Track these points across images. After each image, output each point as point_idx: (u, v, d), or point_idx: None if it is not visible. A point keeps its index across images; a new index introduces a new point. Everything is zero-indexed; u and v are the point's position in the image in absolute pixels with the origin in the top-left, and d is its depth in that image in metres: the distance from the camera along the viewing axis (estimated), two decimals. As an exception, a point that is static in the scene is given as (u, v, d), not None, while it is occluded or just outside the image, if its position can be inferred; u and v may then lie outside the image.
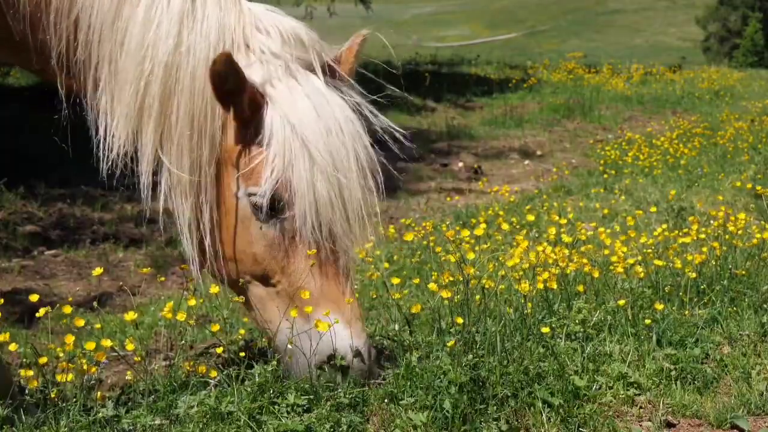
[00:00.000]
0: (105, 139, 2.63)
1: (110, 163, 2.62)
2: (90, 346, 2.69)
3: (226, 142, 2.63)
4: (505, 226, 4.56)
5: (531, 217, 5.46)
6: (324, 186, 2.56)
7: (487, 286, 3.35)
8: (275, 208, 2.58)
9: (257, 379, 2.65)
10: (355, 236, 2.66)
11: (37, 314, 2.75)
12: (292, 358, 2.66)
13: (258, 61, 2.63)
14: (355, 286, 2.80)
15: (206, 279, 2.85)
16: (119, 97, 2.59)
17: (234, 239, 2.66)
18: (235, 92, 2.51)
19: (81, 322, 2.70)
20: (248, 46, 2.64)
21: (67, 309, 2.70)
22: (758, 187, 6.79)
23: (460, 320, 3.07)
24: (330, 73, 2.74)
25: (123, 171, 2.65)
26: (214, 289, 3.09)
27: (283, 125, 2.56)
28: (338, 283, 2.65)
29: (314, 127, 2.57)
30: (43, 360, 2.65)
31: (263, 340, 3.26)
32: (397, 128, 2.82)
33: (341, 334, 2.59)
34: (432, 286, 3.29)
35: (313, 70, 2.69)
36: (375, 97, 2.83)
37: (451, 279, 3.40)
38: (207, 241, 2.66)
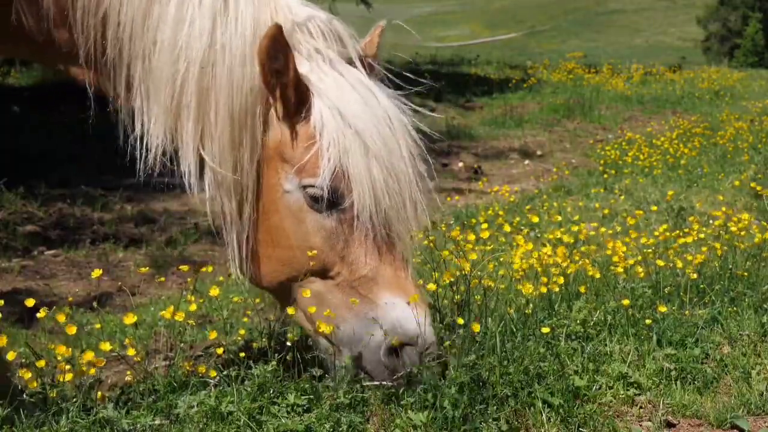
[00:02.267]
0: (142, 138, 2.60)
1: (148, 163, 2.59)
2: (89, 355, 2.67)
3: (269, 138, 2.60)
4: (507, 228, 4.56)
5: (535, 219, 5.46)
6: (379, 172, 2.56)
7: (487, 286, 3.35)
8: (334, 197, 2.56)
9: (257, 379, 2.65)
10: (410, 221, 2.66)
11: (38, 315, 2.75)
12: (364, 347, 2.61)
13: (299, 55, 2.61)
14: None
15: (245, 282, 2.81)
16: (155, 96, 2.56)
17: (279, 238, 2.63)
18: (282, 72, 2.48)
19: (73, 330, 2.67)
20: (293, 46, 2.60)
21: (61, 317, 2.66)
22: (758, 187, 6.80)
23: (460, 321, 3.06)
24: (366, 66, 2.74)
25: (161, 170, 2.62)
26: (214, 291, 3.09)
27: (333, 115, 2.54)
28: (398, 268, 2.64)
29: (364, 117, 2.57)
30: (41, 363, 2.65)
31: (263, 339, 3.26)
32: (423, 129, 2.82)
33: (411, 316, 2.57)
34: (431, 286, 3.28)
35: (352, 63, 2.68)
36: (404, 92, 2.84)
37: (452, 279, 3.40)
38: (245, 243, 2.64)
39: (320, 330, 2.64)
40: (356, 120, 2.55)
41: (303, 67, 2.59)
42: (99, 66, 2.63)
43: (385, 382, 2.63)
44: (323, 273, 2.64)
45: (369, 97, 2.62)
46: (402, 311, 2.58)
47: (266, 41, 2.42)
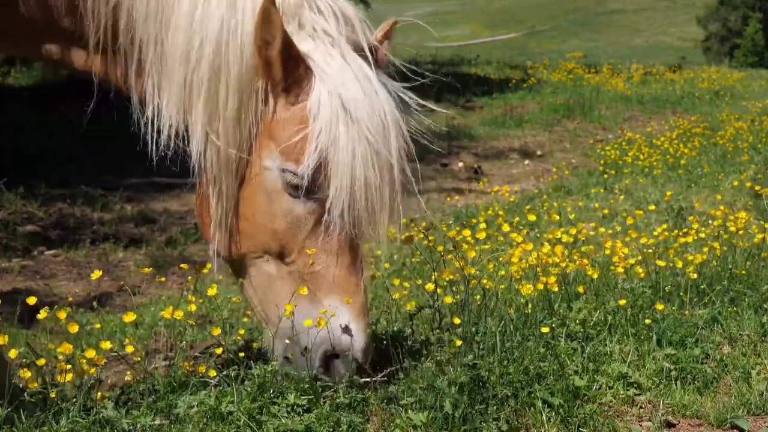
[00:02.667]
0: (153, 121, 2.58)
1: (160, 145, 2.57)
2: (90, 353, 2.67)
3: (267, 114, 2.56)
4: (506, 227, 4.55)
5: (532, 217, 5.46)
6: (362, 171, 2.50)
7: (487, 286, 3.35)
8: (311, 187, 2.52)
9: (257, 379, 2.65)
10: (380, 229, 2.61)
11: (38, 316, 2.75)
12: (292, 341, 2.59)
13: (309, 36, 2.57)
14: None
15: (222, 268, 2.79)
16: (168, 77, 2.54)
17: (247, 210, 2.60)
18: (271, 44, 2.44)
19: (75, 328, 2.67)
20: (300, 22, 2.58)
21: (62, 314, 2.67)
22: (757, 187, 6.80)
23: (457, 321, 3.07)
24: (376, 56, 2.68)
25: (175, 153, 2.60)
26: (212, 290, 3.09)
27: (332, 102, 2.49)
28: (353, 273, 2.59)
29: (361, 110, 2.51)
30: (41, 362, 2.65)
31: (263, 339, 3.26)
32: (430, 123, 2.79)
33: (350, 327, 2.54)
34: (429, 286, 3.28)
35: (361, 51, 2.63)
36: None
37: (451, 278, 3.40)
38: (228, 215, 2.61)
39: (259, 313, 2.63)
40: (353, 113, 2.50)
41: (305, 44, 2.55)
42: (108, 54, 2.62)
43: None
44: (280, 257, 2.61)
45: (369, 89, 2.57)
46: (341, 320, 2.54)
47: (260, 11, 2.40)
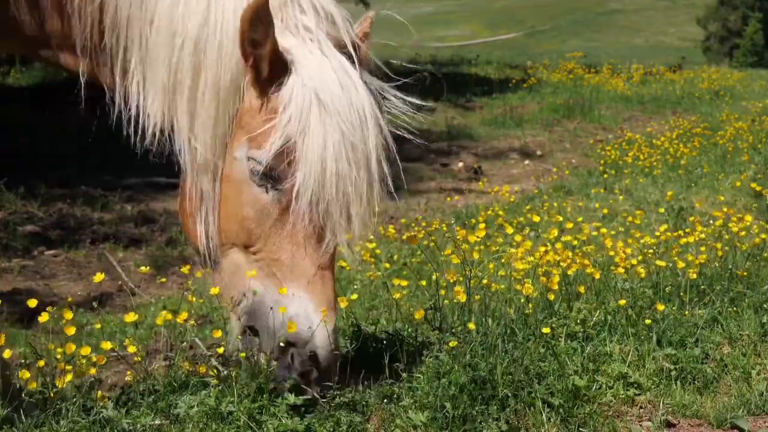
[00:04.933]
0: (138, 120, 2.59)
1: (144, 144, 2.58)
2: (86, 350, 2.67)
3: (243, 106, 2.56)
4: (510, 230, 4.55)
5: (536, 218, 5.46)
6: (334, 162, 2.48)
7: (487, 285, 3.35)
8: (271, 174, 2.51)
9: (258, 379, 2.64)
10: (350, 223, 2.56)
11: (40, 318, 2.75)
12: (262, 330, 2.57)
13: (289, 33, 2.57)
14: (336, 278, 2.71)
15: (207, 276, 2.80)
16: (152, 77, 2.55)
17: (225, 203, 2.61)
18: (261, 43, 2.44)
19: (72, 330, 2.68)
20: (282, 19, 2.58)
21: (69, 314, 2.68)
22: (758, 187, 6.80)
23: (472, 326, 3.06)
24: (357, 53, 2.67)
25: (158, 151, 2.61)
26: (215, 290, 3.08)
27: (305, 93, 2.49)
28: (320, 265, 2.55)
29: (337, 103, 2.50)
30: (41, 363, 2.65)
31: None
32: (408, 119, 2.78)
33: (309, 318, 2.51)
34: (423, 282, 3.27)
35: (343, 48, 2.63)
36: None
37: (452, 280, 3.40)
38: (208, 213, 2.62)
39: (222, 302, 2.62)
40: (328, 104, 2.49)
41: (287, 41, 2.55)
42: (96, 53, 2.63)
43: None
44: (246, 246, 2.61)
45: (348, 84, 2.55)
46: (299, 308, 2.52)
47: (249, 10, 2.40)
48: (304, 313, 2.51)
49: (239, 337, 2.65)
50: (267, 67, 2.49)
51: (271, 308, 2.53)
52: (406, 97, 2.76)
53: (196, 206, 2.64)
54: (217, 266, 2.71)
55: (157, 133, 2.59)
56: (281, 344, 2.53)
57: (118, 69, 2.61)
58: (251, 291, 2.60)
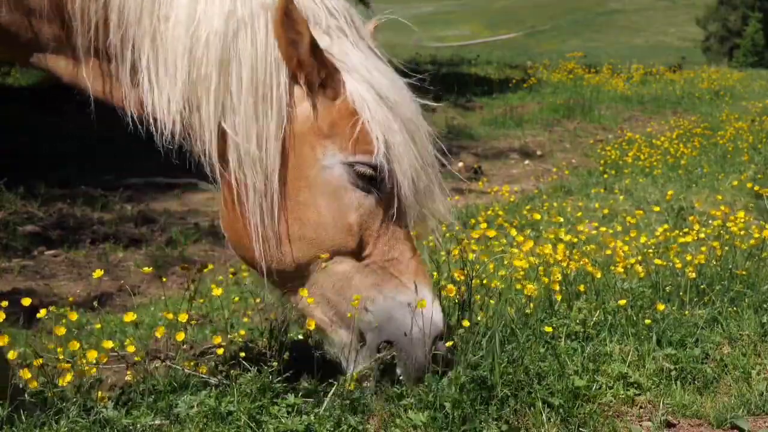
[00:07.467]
0: (153, 118, 2.48)
1: (163, 142, 2.48)
2: (92, 354, 2.67)
3: (297, 112, 2.51)
4: (513, 232, 4.55)
5: (537, 216, 5.48)
6: (415, 153, 2.56)
7: (487, 286, 3.35)
8: (382, 175, 2.53)
9: (258, 379, 2.64)
10: (439, 204, 2.68)
11: (38, 315, 2.75)
12: (397, 328, 2.58)
13: (324, 33, 2.55)
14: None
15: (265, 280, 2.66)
16: (167, 73, 2.46)
17: (308, 215, 2.54)
18: (298, 42, 2.41)
19: (62, 331, 2.68)
20: (314, 20, 2.55)
21: (73, 315, 2.68)
22: (756, 187, 6.80)
23: (466, 323, 3.07)
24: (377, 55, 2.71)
25: (180, 150, 2.53)
26: (217, 291, 3.08)
27: (369, 91, 2.50)
28: (416, 253, 2.64)
29: (395, 96, 2.55)
30: (38, 362, 2.65)
31: (263, 339, 3.25)
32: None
33: (439, 308, 2.61)
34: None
35: (367, 47, 2.66)
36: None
37: (461, 278, 3.40)
38: (271, 222, 2.52)
39: (349, 314, 2.56)
40: (388, 97, 2.53)
41: (323, 41, 2.52)
42: (100, 52, 2.52)
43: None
44: (354, 253, 2.57)
45: (392, 76, 2.60)
46: (432, 301, 2.59)
47: (278, 12, 2.37)
48: (429, 300, 2.59)
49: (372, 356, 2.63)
50: (312, 64, 2.45)
51: (409, 304, 2.57)
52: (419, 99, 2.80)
53: (247, 205, 2.52)
54: (281, 273, 2.61)
55: (176, 134, 2.49)
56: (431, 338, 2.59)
57: (127, 68, 2.51)
58: (368, 301, 2.58)
